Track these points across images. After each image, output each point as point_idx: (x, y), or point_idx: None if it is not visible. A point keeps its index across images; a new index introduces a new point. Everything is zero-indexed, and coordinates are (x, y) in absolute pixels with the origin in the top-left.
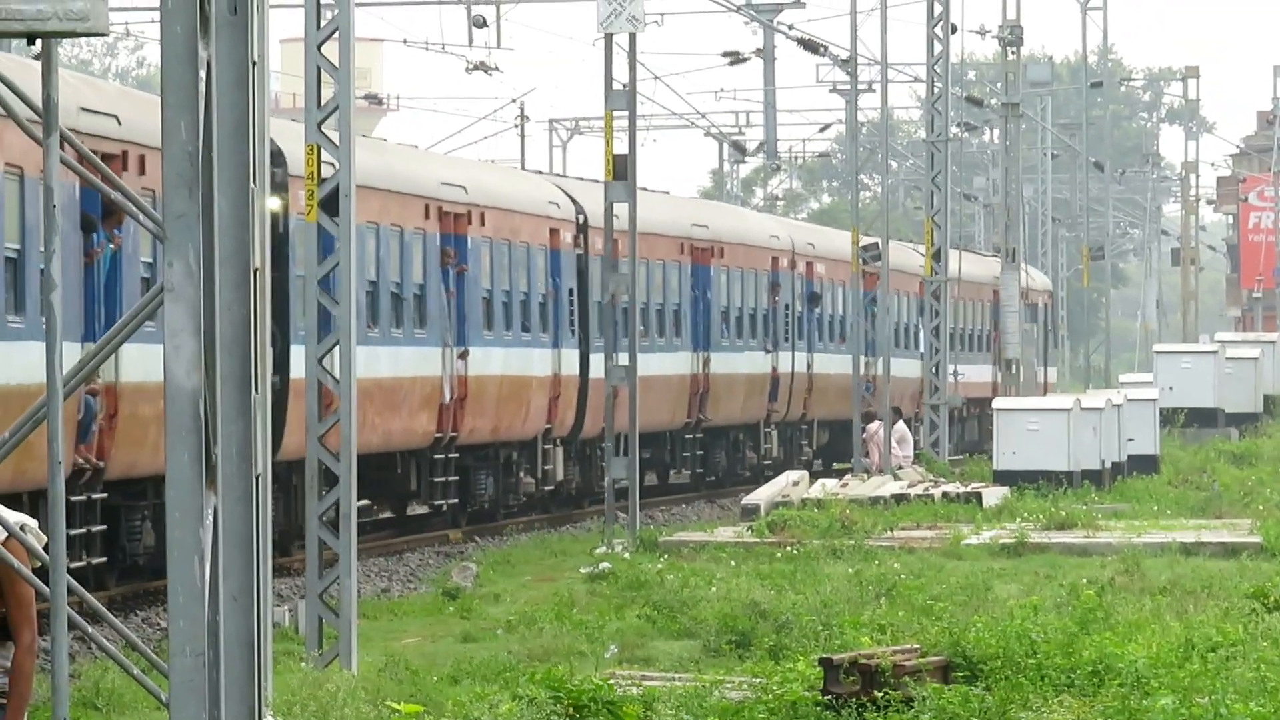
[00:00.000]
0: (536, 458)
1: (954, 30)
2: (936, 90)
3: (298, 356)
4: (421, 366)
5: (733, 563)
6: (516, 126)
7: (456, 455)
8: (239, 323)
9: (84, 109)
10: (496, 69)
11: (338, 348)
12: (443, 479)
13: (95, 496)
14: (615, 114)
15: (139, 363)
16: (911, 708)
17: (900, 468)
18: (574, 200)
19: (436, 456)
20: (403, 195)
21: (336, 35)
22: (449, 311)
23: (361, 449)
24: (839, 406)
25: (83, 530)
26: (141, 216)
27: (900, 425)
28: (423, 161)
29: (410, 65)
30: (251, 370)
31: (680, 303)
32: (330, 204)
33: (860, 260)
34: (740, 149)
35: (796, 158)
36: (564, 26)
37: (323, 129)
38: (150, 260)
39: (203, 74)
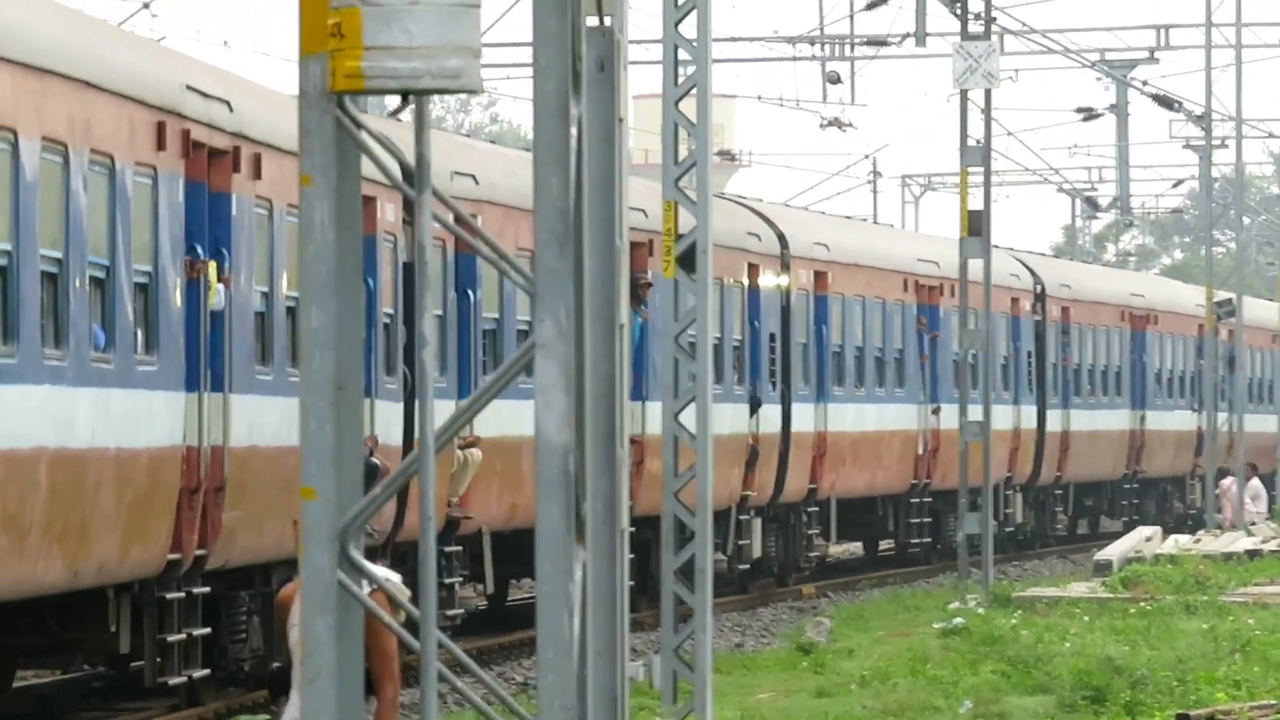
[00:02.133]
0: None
1: None
2: None
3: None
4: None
5: (1086, 618)
6: (870, 182)
7: (930, 500)
8: (605, 379)
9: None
10: (850, 125)
11: (693, 404)
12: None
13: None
14: (970, 170)
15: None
16: None
17: (1253, 523)
18: (1032, 271)
19: (913, 501)
20: (884, 271)
21: (693, 92)
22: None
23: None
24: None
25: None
26: (513, 273)
27: (1254, 481)
28: (902, 240)
29: (763, 121)
30: (616, 426)
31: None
32: (688, 260)
33: (1215, 316)
34: (1093, 204)
35: (1149, 213)
36: (918, 83)
37: (680, 185)
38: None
39: (573, 131)
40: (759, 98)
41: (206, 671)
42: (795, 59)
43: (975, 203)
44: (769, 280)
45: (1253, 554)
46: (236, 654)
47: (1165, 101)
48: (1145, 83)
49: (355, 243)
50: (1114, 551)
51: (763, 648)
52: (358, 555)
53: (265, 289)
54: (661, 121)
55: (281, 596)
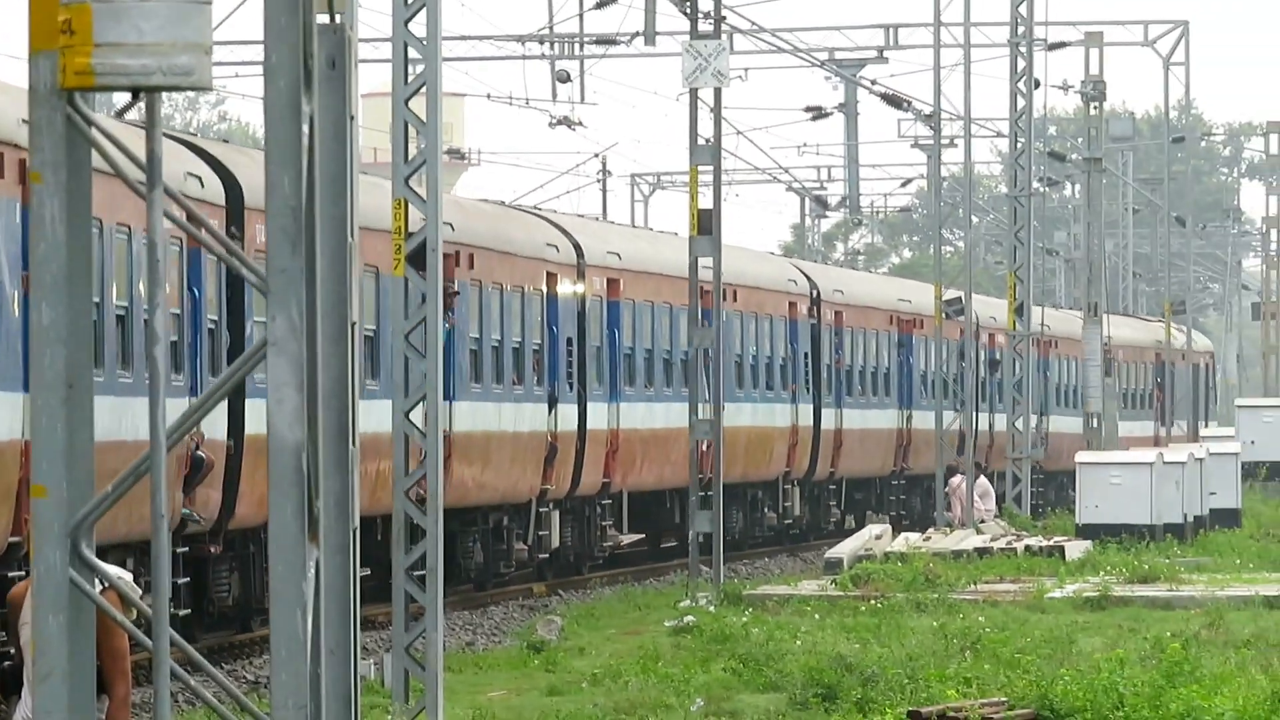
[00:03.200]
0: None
1: (1037, 85)
2: (1019, 145)
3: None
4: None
5: (817, 616)
6: (599, 181)
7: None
8: (337, 377)
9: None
10: (580, 124)
11: (423, 402)
12: None
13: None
14: (700, 168)
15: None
16: None
17: (983, 521)
18: (808, 277)
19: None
20: (670, 277)
21: (423, 90)
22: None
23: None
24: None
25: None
26: (245, 270)
27: (982, 479)
28: (684, 247)
29: (493, 120)
30: (349, 424)
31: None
32: (417, 258)
33: (944, 314)
34: (822, 203)
35: (878, 212)
36: (647, 82)
37: (410, 184)
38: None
39: (305, 129)
40: (489, 96)
41: None
42: (525, 58)
43: (705, 201)
44: (566, 288)
45: (982, 552)
46: None
47: (894, 101)
48: (874, 82)
49: (85, 240)
50: (844, 550)
51: (494, 646)
52: (89, 554)
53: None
54: (391, 120)
55: (13, 594)
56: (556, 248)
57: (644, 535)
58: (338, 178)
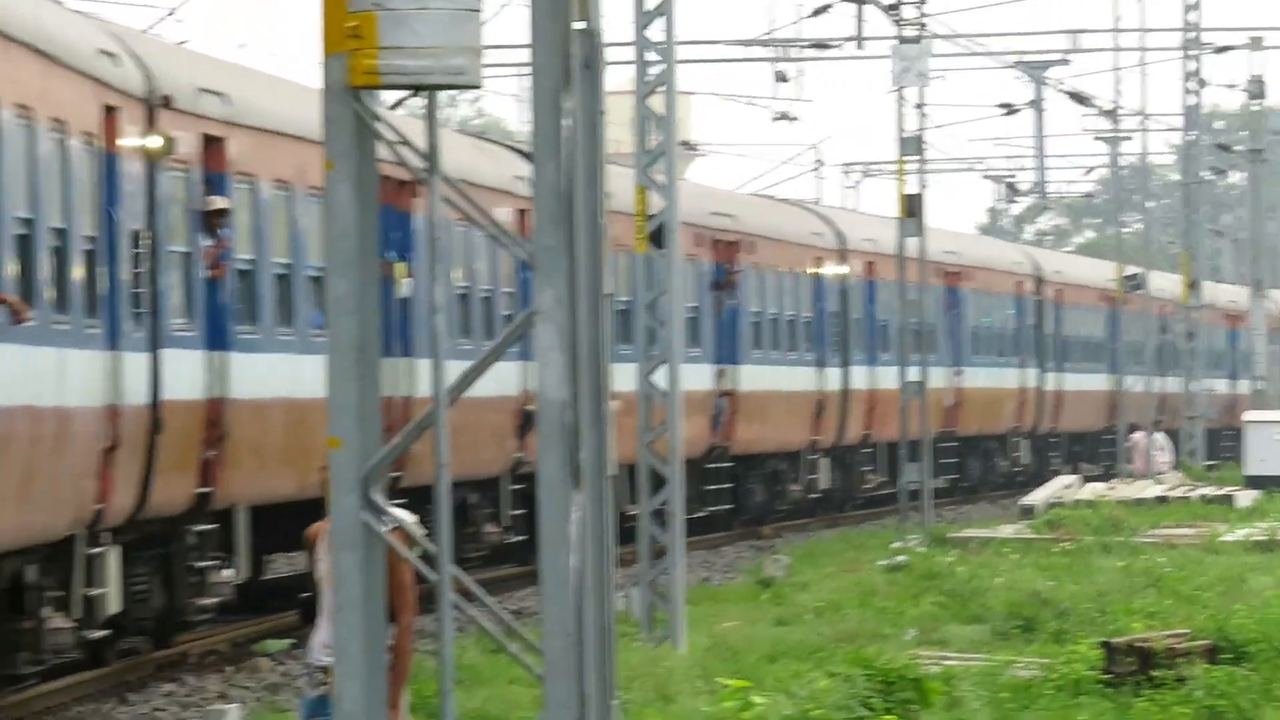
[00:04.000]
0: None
1: (1204, 84)
2: (1190, 138)
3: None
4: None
5: (1015, 556)
6: (814, 170)
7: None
8: (593, 342)
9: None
10: (796, 118)
11: (664, 365)
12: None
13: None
14: (906, 159)
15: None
16: (1184, 686)
17: (1160, 473)
18: (1034, 260)
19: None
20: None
21: (661, 89)
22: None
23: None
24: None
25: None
26: (514, 248)
27: (1159, 435)
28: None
29: (719, 115)
30: (602, 384)
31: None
32: (658, 237)
33: (1124, 289)
34: (1013, 189)
35: (1063, 197)
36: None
37: (648, 172)
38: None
39: (566, 123)
40: (716, 95)
41: None
42: (748, 60)
43: (911, 188)
44: (830, 269)
45: (1161, 500)
46: None
47: (1078, 97)
48: (1060, 81)
49: (373, 220)
50: (1038, 497)
51: (728, 582)
52: (379, 498)
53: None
54: (634, 115)
55: (309, 534)
56: (820, 234)
57: (888, 478)
58: (591, 166)
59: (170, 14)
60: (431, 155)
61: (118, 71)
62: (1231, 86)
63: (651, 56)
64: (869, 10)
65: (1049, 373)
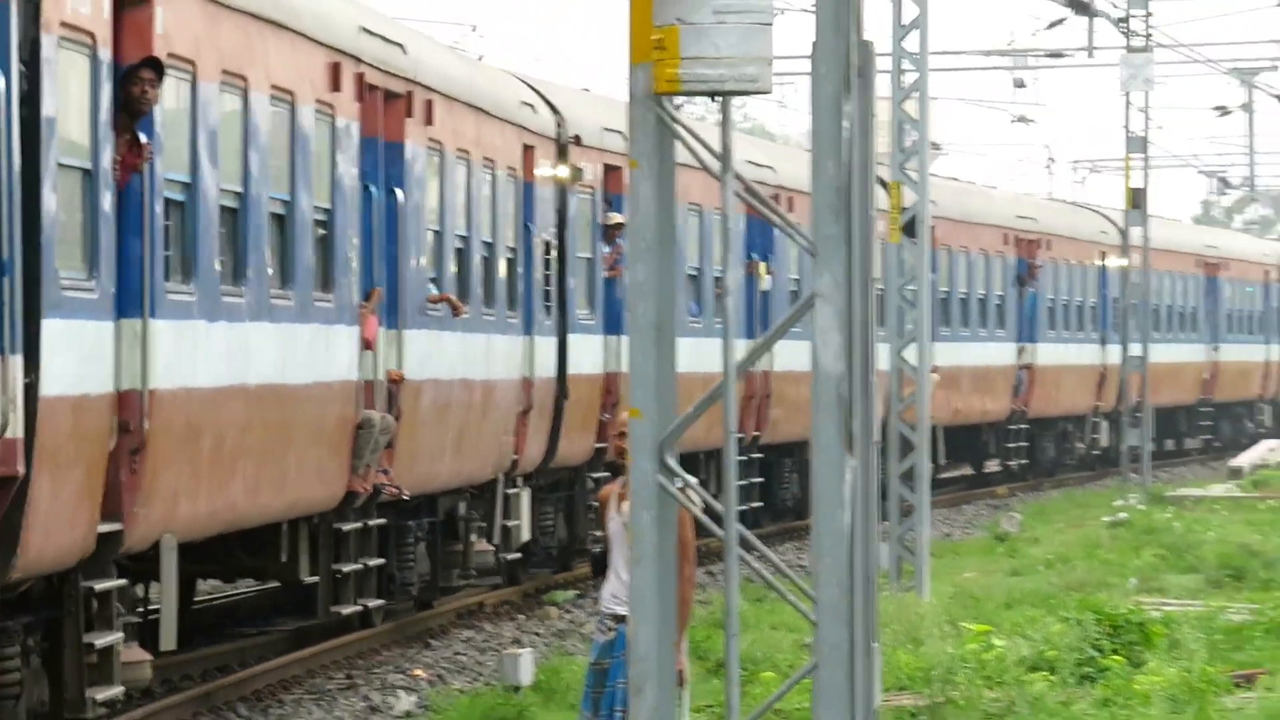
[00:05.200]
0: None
1: None
2: None
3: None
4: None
5: (1225, 513)
6: (1047, 166)
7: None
8: (863, 323)
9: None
10: (1032, 121)
11: (914, 343)
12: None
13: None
14: (1132, 156)
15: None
16: None
17: None
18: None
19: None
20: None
21: (915, 94)
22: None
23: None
24: None
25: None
26: (798, 237)
27: None
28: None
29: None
30: (870, 360)
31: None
32: (911, 228)
33: None
34: (1225, 183)
35: (1269, 189)
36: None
37: (904, 169)
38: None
39: (845, 125)
40: (962, 99)
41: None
42: (990, 68)
43: (1136, 182)
44: (1112, 261)
45: None
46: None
47: None
48: (1270, 85)
49: (671, 213)
50: (1245, 459)
51: (967, 537)
52: (673, 462)
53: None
54: (891, 118)
55: (602, 493)
56: (1106, 232)
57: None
58: (863, 165)
59: (473, 29)
60: (725, 155)
61: (535, 118)
62: None
63: (906, 65)
64: (1099, 22)
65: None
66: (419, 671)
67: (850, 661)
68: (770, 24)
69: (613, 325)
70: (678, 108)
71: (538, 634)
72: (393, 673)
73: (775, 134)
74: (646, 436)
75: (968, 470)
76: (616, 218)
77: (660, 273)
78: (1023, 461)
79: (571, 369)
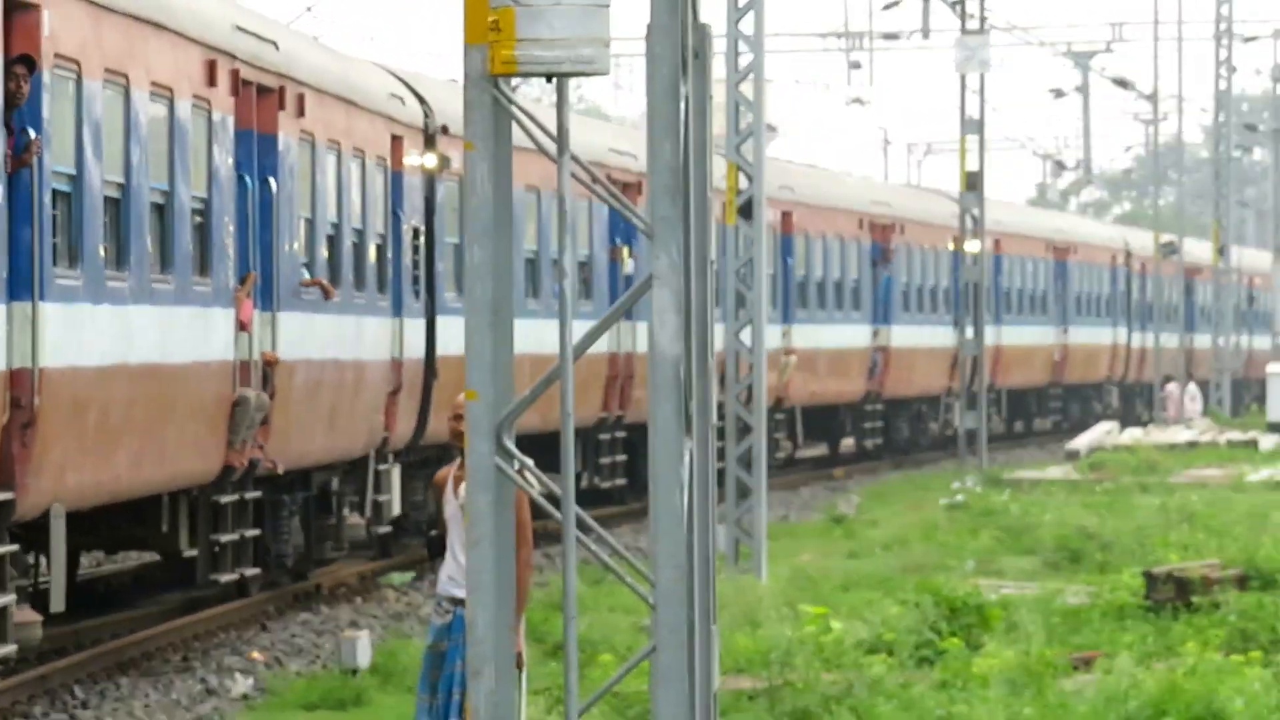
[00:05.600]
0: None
1: (1234, 70)
2: (1220, 119)
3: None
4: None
5: (1062, 495)
6: (883, 149)
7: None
8: (701, 305)
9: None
10: (867, 102)
11: (750, 325)
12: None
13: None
14: (968, 138)
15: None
16: (1218, 611)
17: (1191, 419)
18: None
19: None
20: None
21: (750, 76)
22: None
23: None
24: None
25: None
26: (634, 218)
27: (1192, 385)
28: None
29: (795, 99)
30: (708, 342)
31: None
32: (747, 210)
33: (1161, 254)
34: (1060, 165)
35: (1103, 173)
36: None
37: (740, 150)
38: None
39: (682, 106)
40: (796, 81)
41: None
42: (826, 50)
43: (971, 165)
44: (969, 246)
45: (1192, 444)
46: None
47: (1120, 83)
48: (1104, 68)
49: (507, 195)
50: (1082, 442)
51: (804, 520)
52: (510, 444)
53: None
54: (725, 100)
55: (437, 478)
56: (955, 214)
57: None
58: (699, 146)
59: (308, 10)
60: (561, 136)
61: (403, 109)
62: (1258, 73)
63: (742, 47)
64: (935, 4)
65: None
66: (255, 654)
67: (689, 644)
68: (607, 5)
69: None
70: (514, 89)
71: (375, 616)
72: (229, 655)
73: (611, 115)
74: (483, 418)
75: (825, 451)
76: None
77: (497, 254)
78: (877, 441)
79: (440, 350)
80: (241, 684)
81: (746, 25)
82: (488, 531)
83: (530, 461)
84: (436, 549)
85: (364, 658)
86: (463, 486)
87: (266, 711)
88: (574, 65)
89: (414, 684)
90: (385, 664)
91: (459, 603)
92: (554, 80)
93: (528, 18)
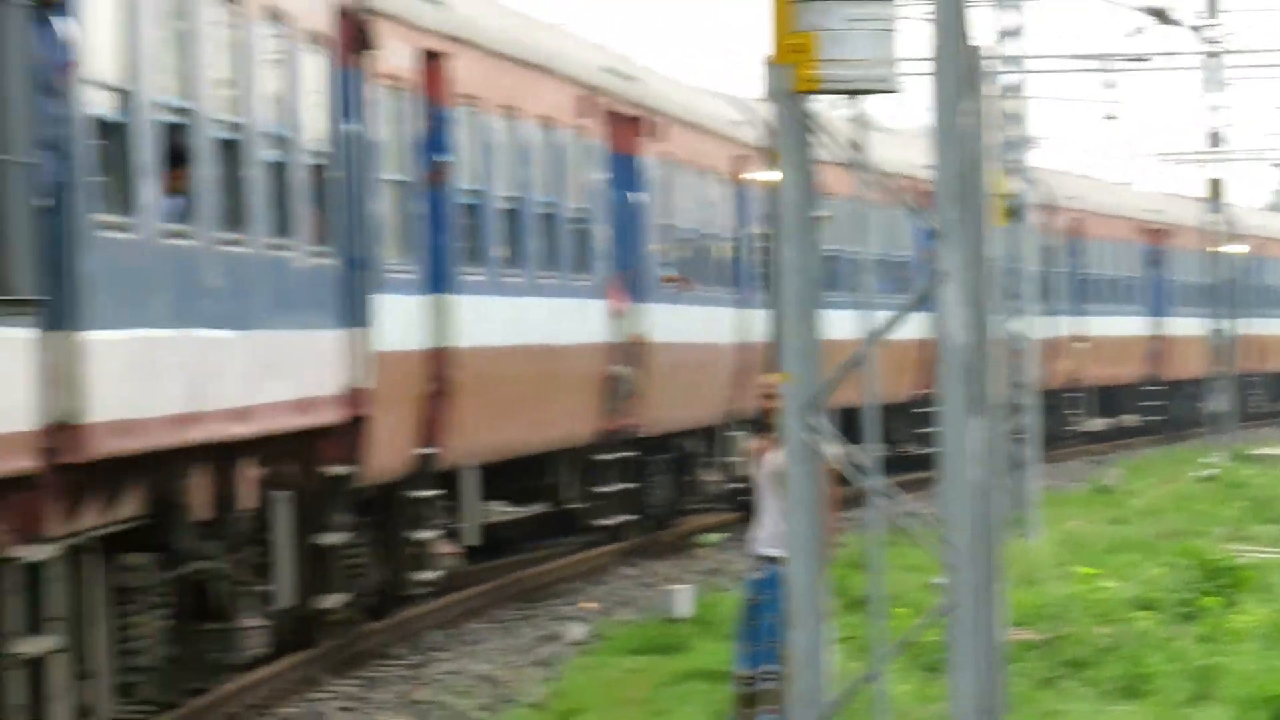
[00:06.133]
0: None
1: None
2: None
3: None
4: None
5: None
6: (1130, 160)
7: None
8: (979, 299)
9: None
10: (1116, 117)
11: (1020, 316)
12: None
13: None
14: (1210, 150)
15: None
16: None
17: None
18: None
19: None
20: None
21: (1014, 94)
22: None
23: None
24: None
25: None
26: (929, 221)
27: None
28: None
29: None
30: (986, 332)
31: None
32: (1015, 213)
33: None
34: None
35: None
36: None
37: (1007, 160)
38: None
39: (961, 121)
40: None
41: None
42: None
43: (1214, 174)
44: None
45: None
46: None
47: None
48: None
49: (809, 198)
50: None
51: (1072, 489)
52: (818, 420)
53: None
54: (995, 115)
55: (751, 448)
56: (1211, 221)
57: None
58: (975, 157)
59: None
60: (857, 146)
61: (744, 130)
62: None
63: (1008, 68)
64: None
65: None
66: (589, 604)
67: (980, 600)
68: (894, 30)
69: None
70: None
71: (693, 572)
72: (564, 604)
73: (889, 128)
74: (795, 397)
75: (1106, 425)
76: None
77: (804, 252)
78: (1156, 418)
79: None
80: (577, 630)
81: (1011, 48)
82: (801, 498)
83: (838, 435)
84: (751, 512)
85: (685, 608)
86: (770, 456)
87: (599, 655)
88: (869, 83)
89: (729, 632)
90: (703, 614)
91: (770, 560)
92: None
93: (828, 41)
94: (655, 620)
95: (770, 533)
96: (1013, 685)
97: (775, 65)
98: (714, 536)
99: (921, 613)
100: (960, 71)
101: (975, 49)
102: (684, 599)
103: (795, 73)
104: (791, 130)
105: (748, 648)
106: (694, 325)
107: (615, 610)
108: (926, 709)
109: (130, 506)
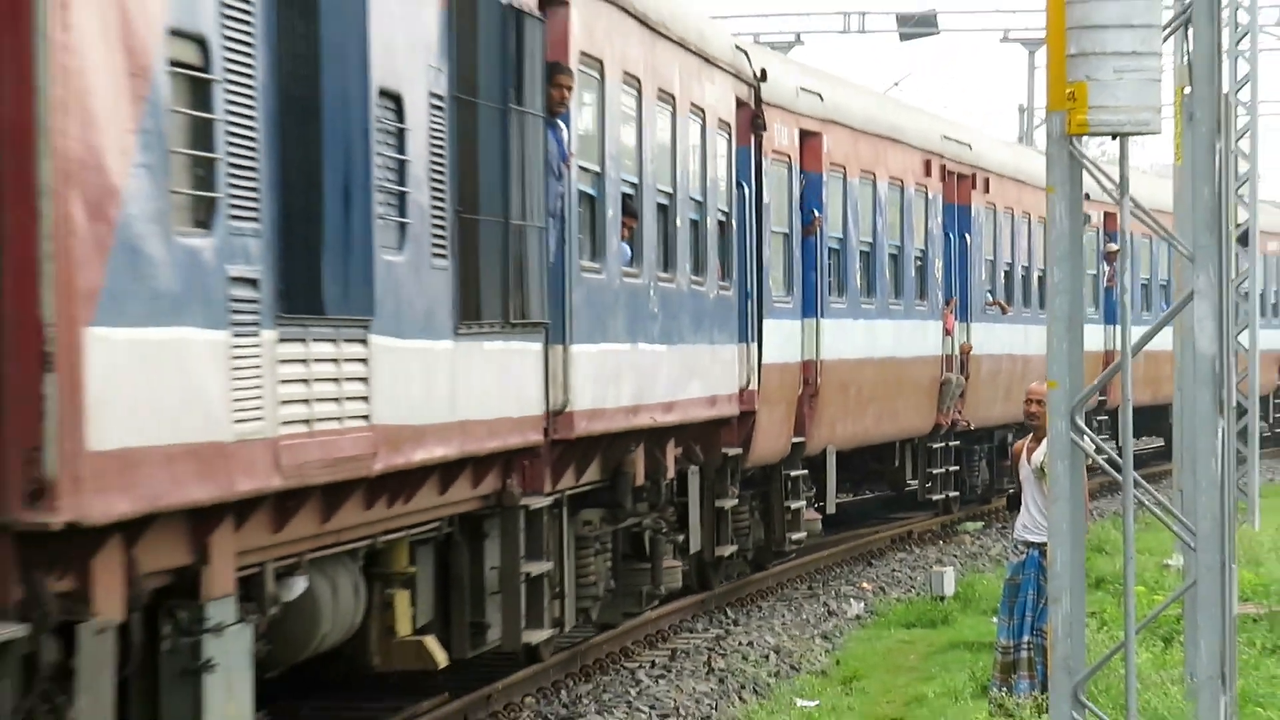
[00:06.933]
0: None
1: None
2: None
3: None
4: None
5: None
6: None
7: None
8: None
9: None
10: None
11: (1247, 330)
12: None
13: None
14: None
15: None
16: None
17: None
18: None
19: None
20: None
21: (1247, 134)
22: None
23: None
24: None
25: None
26: (1178, 246)
27: None
28: None
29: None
30: (1228, 344)
31: None
32: (1243, 239)
33: None
34: None
35: None
36: None
37: (1238, 193)
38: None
39: (1215, 159)
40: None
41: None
42: None
43: None
44: None
45: None
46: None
47: None
48: None
49: (1079, 227)
50: None
51: None
52: (1081, 423)
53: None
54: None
55: (1015, 449)
56: None
57: None
58: (1225, 191)
59: (895, 84)
60: (1122, 182)
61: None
62: None
63: (1242, 112)
64: None
65: None
66: (865, 584)
67: (1217, 579)
68: (1159, 80)
69: (1110, 317)
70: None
71: (955, 555)
72: (844, 585)
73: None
74: (1061, 402)
75: None
76: (1113, 246)
77: (1073, 275)
78: None
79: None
80: (855, 607)
81: (1244, 93)
82: (1064, 490)
83: (1095, 435)
84: (1013, 503)
85: (949, 587)
86: (1032, 454)
87: (875, 629)
88: (1134, 126)
89: (989, 609)
90: (965, 592)
91: (1031, 545)
92: (1116, 138)
93: (1097, 89)
94: (924, 598)
95: (1030, 521)
96: (1240, 654)
97: (1051, 111)
98: (975, 524)
99: (1153, 590)
100: (1214, 114)
101: (1226, 95)
102: (949, 579)
103: (1068, 117)
104: (1063, 167)
105: (1008, 621)
106: (1007, 340)
107: (889, 589)
108: (1165, 674)
109: (593, 473)
